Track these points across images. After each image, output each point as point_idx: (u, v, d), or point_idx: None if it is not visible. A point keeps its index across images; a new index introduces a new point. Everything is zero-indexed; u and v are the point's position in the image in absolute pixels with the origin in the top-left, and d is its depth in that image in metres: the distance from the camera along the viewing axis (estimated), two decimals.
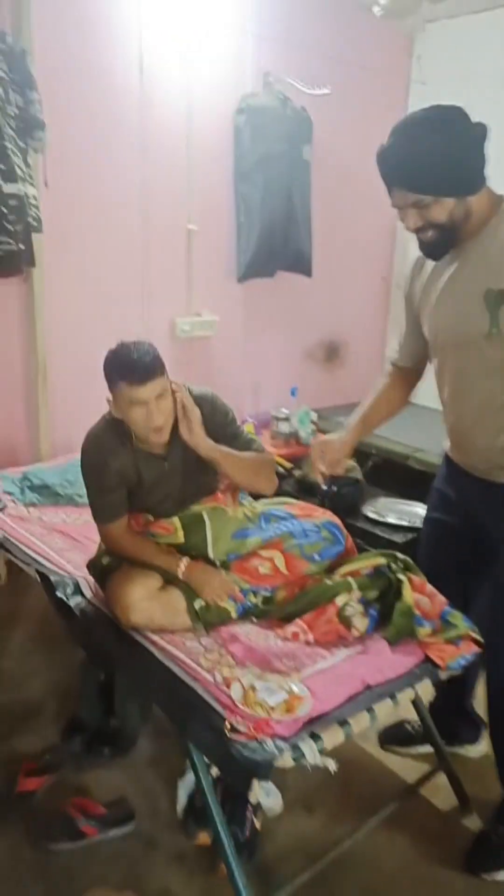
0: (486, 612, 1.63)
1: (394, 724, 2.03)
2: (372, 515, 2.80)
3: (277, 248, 3.16)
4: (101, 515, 1.75)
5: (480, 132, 1.34)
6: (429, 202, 1.35)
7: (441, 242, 1.43)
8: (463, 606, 1.65)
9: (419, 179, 1.33)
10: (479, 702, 1.91)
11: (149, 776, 1.87)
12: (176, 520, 1.78)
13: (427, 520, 1.84)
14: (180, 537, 1.76)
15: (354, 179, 3.41)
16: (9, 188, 2.33)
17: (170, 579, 1.68)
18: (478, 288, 1.39)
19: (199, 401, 1.72)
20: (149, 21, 2.67)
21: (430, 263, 1.54)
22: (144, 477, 1.72)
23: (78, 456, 2.67)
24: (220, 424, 1.76)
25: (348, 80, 3.35)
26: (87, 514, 2.40)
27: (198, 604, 1.64)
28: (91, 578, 1.83)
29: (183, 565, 1.68)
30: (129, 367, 1.58)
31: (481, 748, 1.96)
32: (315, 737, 1.30)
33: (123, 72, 2.67)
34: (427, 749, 1.90)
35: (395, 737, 2.01)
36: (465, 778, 1.80)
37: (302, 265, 3.29)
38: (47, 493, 2.48)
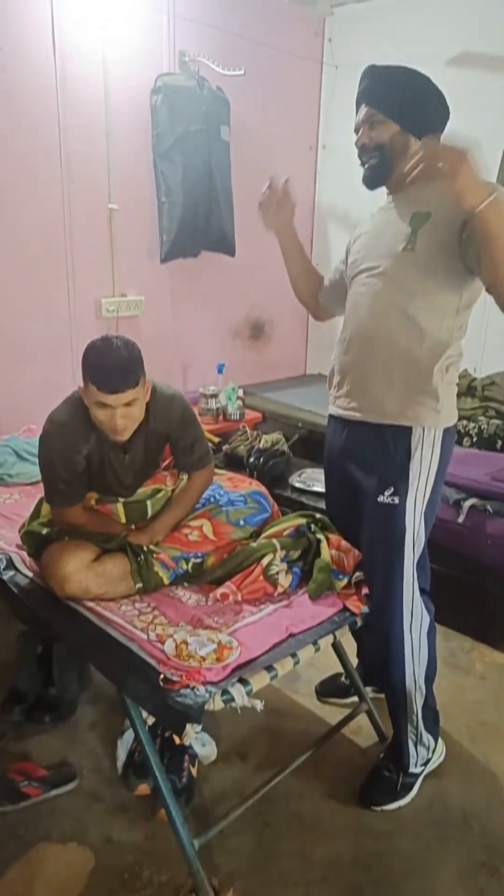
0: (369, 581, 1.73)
1: (328, 677, 2.18)
2: (298, 485, 2.94)
3: (200, 228, 3.21)
4: (61, 500, 1.76)
5: (443, 100, 1.58)
6: (379, 119, 1.55)
7: (379, 168, 1.59)
8: None
9: (379, 96, 1.56)
10: None
11: (89, 739, 1.95)
12: (120, 507, 1.86)
13: (325, 478, 1.95)
14: (121, 521, 1.87)
15: (273, 161, 3.49)
16: None
17: (109, 549, 1.75)
18: (406, 213, 1.55)
19: (168, 411, 1.76)
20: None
21: (373, 217, 1.71)
22: (106, 465, 1.77)
23: (5, 438, 2.70)
24: (176, 439, 1.82)
25: (263, 61, 3.42)
26: (17, 492, 2.44)
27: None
28: (24, 553, 1.88)
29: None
30: (103, 374, 1.56)
31: None
32: (244, 682, 1.41)
33: (38, 50, 2.64)
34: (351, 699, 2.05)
35: (330, 689, 2.16)
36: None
37: (225, 245, 3.36)
38: None
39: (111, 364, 1.56)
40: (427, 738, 1.80)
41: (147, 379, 1.68)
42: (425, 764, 1.83)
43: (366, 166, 1.62)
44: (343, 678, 2.12)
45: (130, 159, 3.02)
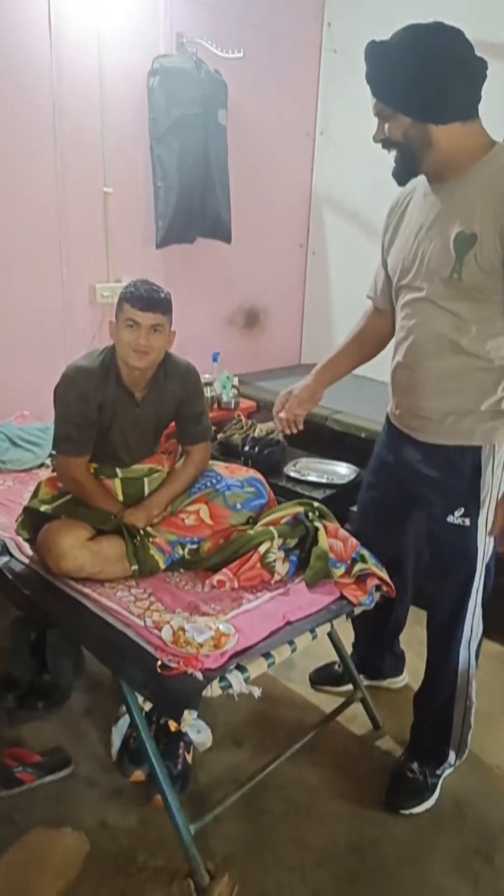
0: (425, 571, 1.72)
1: (322, 665, 2.17)
2: (293, 474, 2.93)
3: (196, 214, 3.18)
4: (69, 448, 1.79)
5: (472, 65, 1.28)
6: (388, 114, 1.35)
7: (402, 164, 1.41)
8: (396, 568, 1.79)
9: (381, 87, 1.34)
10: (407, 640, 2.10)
11: (83, 725, 1.95)
12: (117, 482, 1.86)
13: (365, 485, 1.87)
14: (119, 498, 1.86)
15: (270, 146, 3.46)
16: None
17: (105, 530, 1.74)
18: (450, 229, 1.35)
19: (186, 373, 1.88)
20: None
21: (411, 203, 1.50)
22: (116, 417, 1.80)
23: (2, 423, 2.67)
24: (188, 403, 1.89)
25: (262, 45, 3.38)
26: (11, 479, 2.42)
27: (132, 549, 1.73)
28: (18, 538, 1.86)
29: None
30: (139, 293, 1.70)
31: (403, 681, 2.15)
32: (241, 668, 1.41)
33: (32, 31, 2.59)
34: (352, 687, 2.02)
35: (324, 677, 2.14)
36: (388, 708, 1.97)
37: (221, 231, 3.32)
38: None
39: (147, 288, 1.72)
40: (467, 742, 1.77)
41: (172, 329, 1.81)
42: (449, 768, 1.81)
43: (395, 160, 1.44)
44: (336, 666, 2.12)
45: (126, 142, 2.98)
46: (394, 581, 1.75)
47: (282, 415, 1.80)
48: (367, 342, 1.77)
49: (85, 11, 2.70)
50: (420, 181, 1.48)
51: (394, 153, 1.42)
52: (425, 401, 1.52)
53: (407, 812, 1.72)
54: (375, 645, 2.07)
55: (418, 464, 1.59)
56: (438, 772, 1.78)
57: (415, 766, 1.77)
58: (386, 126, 1.37)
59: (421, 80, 1.29)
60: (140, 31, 2.91)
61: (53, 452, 1.89)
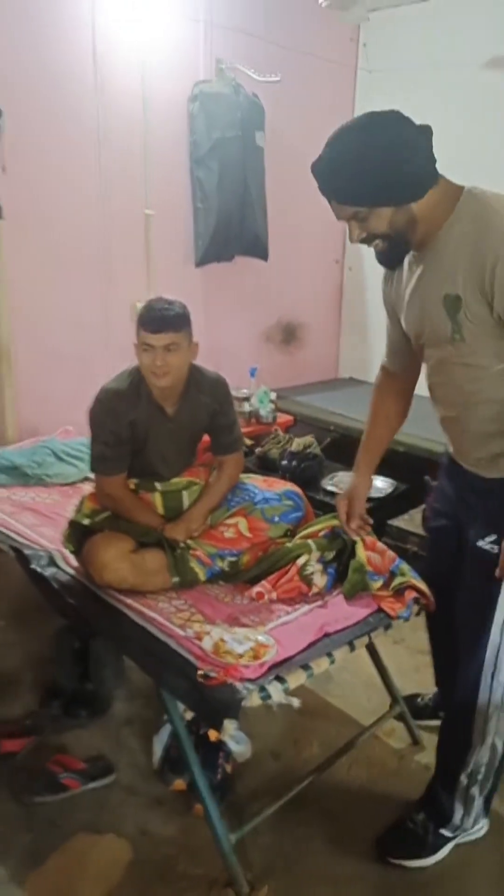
0: (457, 621, 1.58)
1: (406, 695, 2.01)
2: (331, 488, 2.95)
3: (234, 233, 3.25)
4: (104, 467, 1.85)
5: (419, 135, 1.27)
6: (365, 213, 1.31)
7: (391, 251, 1.39)
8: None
9: (351, 191, 1.29)
10: None
11: (125, 734, 1.98)
12: (157, 495, 1.91)
13: (433, 512, 1.78)
14: (160, 511, 1.91)
15: (305, 165, 3.49)
16: None
17: (146, 542, 1.79)
18: (437, 292, 1.34)
19: (216, 385, 1.91)
20: (102, 8, 2.71)
21: (404, 271, 1.48)
22: (150, 433, 1.85)
23: (43, 439, 2.77)
24: (219, 414, 1.93)
25: (298, 67, 3.45)
26: (56, 492, 2.50)
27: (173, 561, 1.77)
28: (64, 550, 1.92)
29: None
30: (150, 316, 1.73)
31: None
32: (280, 679, 1.43)
33: (78, 60, 2.71)
34: (435, 722, 1.85)
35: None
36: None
37: (258, 249, 3.39)
38: (16, 474, 2.54)
39: (156, 308, 1.74)
40: (478, 803, 1.61)
41: (194, 341, 1.82)
42: (458, 831, 1.65)
43: (376, 252, 1.41)
44: (419, 700, 2.03)
45: (167, 166, 3.07)
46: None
47: (353, 525, 1.76)
48: (394, 415, 1.74)
49: (128, 40, 2.81)
50: None
51: (377, 248, 1.39)
52: (473, 449, 1.49)
53: (395, 861, 1.60)
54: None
55: (464, 490, 1.57)
56: (444, 832, 1.62)
57: (419, 817, 1.65)
58: (366, 225, 1.33)
59: (389, 167, 1.25)
60: (181, 59, 3.00)
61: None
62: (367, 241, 1.37)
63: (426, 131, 1.29)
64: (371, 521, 1.81)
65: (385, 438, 1.76)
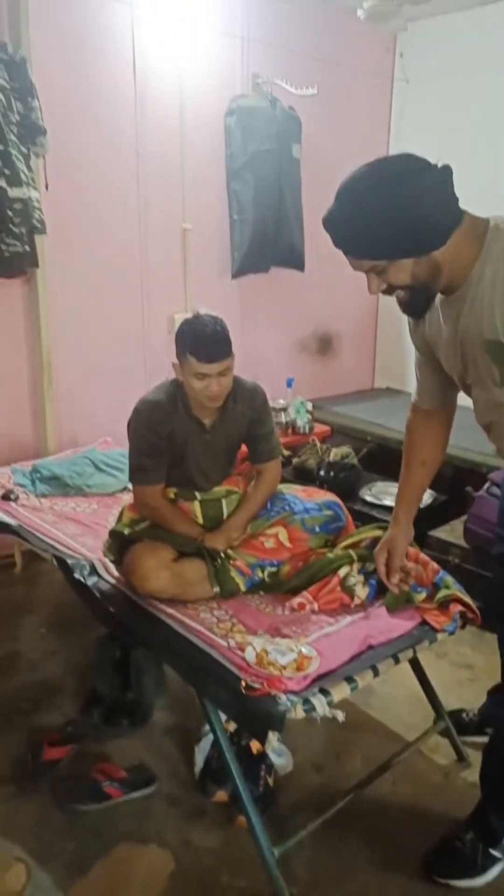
0: None
1: (451, 711, 1.96)
2: (369, 499, 2.93)
3: (270, 244, 3.27)
4: (143, 477, 1.86)
5: (436, 179, 1.18)
6: (384, 266, 1.23)
7: (415, 301, 1.32)
8: None
9: (366, 246, 1.22)
10: None
11: (166, 744, 1.98)
12: (197, 504, 1.92)
13: (497, 538, 1.58)
14: (199, 520, 1.92)
15: (342, 175, 3.52)
16: (14, 192, 2.43)
17: (186, 552, 1.80)
18: (477, 338, 1.27)
19: (253, 394, 1.91)
20: (141, 26, 2.77)
21: (436, 310, 1.39)
22: (188, 445, 1.85)
23: (83, 450, 2.81)
24: (257, 423, 1.92)
25: (334, 79, 3.47)
26: (95, 502, 2.53)
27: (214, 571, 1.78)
28: (105, 560, 1.94)
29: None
30: (202, 345, 1.70)
31: None
32: (324, 692, 1.41)
33: (118, 77, 2.77)
34: (481, 739, 1.80)
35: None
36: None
37: (294, 260, 3.40)
38: (57, 484, 2.59)
39: (209, 336, 1.71)
40: None
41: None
42: None
43: (398, 302, 1.34)
44: (464, 715, 1.97)
45: (204, 179, 3.11)
46: None
47: (393, 581, 1.69)
48: (430, 460, 1.63)
49: (167, 57, 2.86)
50: None
51: (401, 298, 1.32)
52: None
53: (443, 881, 1.56)
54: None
55: None
56: (494, 852, 1.58)
57: (468, 836, 1.59)
58: (385, 277, 1.26)
59: (406, 220, 1.17)
60: (218, 74, 3.05)
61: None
62: (387, 292, 1.29)
63: (444, 172, 1.20)
64: (412, 572, 1.72)
65: (423, 485, 1.66)
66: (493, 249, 1.21)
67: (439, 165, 1.20)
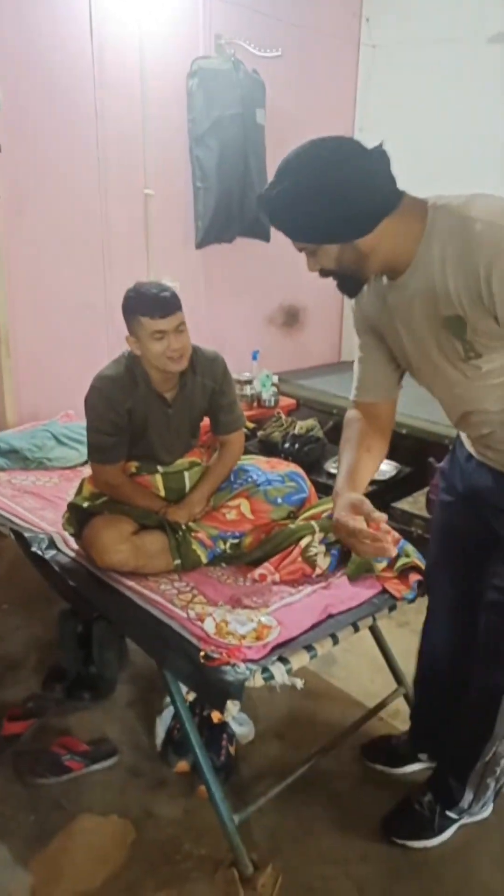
0: (483, 623, 1.48)
1: (377, 738, 1.90)
2: (334, 471, 2.92)
3: (235, 214, 3.21)
4: (102, 456, 1.82)
5: (367, 167, 1.16)
6: (313, 249, 1.24)
7: (347, 284, 1.30)
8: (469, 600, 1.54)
9: (293, 227, 1.22)
10: None
11: (128, 716, 1.98)
12: (159, 477, 1.89)
13: (442, 503, 1.63)
14: (161, 493, 1.90)
15: None
16: None
17: (147, 524, 1.77)
18: (434, 318, 1.25)
19: (213, 363, 1.87)
20: None
21: (378, 295, 1.36)
22: (150, 420, 1.82)
23: (44, 423, 2.75)
24: (219, 394, 1.89)
25: (299, 42, 3.39)
26: (57, 476, 2.48)
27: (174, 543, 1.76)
28: (65, 533, 1.91)
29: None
30: (152, 302, 1.68)
31: None
32: (283, 660, 1.41)
33: (74, 35, 2.66)
34: (415, 767, 1.82)
35: (379, 755, 1.85)
36: None
37: (260, 230, 3.34)
38: (16, 458, 2.53)
39: (155, 293, 1.69)
40: (490, 790, 1.60)
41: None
42: (464, 814, 1.63)
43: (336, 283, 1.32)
44: (393, 741, 1.89)
45: (166, 145, 3.02)
46: (459, 623, 1.59)
47: (385, 528, 1.36)
48: (375, 447, 1.48)
49: (126, 15, 2.75)
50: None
51: (331, 278, 1.30)
52: (469, 432, 1.42)
53: (400, 841, 1.61)
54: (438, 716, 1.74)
55: (491, 493, 1.44)
56: (450, 813, 1.62)
57: (426, 799, 1.64)
58: (315, 260, 1.26)
59: (332, 207, 1.17)
60: (179, 34, 2.95)
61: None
62: (321, 274, 1.29)
63: (379, 158, 1.18)
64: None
65: (371, 472, 1.46)
66: (437, 227, 1.19)
67: (381, 146, 1.17)
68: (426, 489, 2.64)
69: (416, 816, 1.63)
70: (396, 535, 1.76)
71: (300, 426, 3.19)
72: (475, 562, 1.51)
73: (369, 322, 1.44)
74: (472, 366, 1.26)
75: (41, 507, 2.20)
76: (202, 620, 1.50)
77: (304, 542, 1.75)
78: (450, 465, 1.61)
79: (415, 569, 1.69)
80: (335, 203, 1.16)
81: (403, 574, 1.69)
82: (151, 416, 1.82)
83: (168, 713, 1.87)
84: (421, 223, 1.20)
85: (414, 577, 1.68)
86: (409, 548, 1.74)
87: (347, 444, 1.50)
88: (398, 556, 1.72)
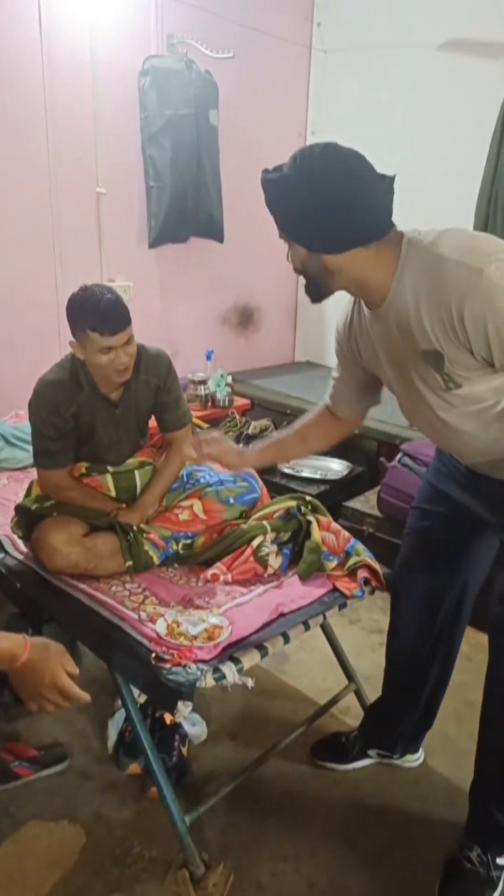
0: (491, 620, 1.47)
1: (327, 737, 1.91)
2: (287, 470, 2.96)
3: (188, 214, 3.20)
4: (47, 461, 1.79)
5: (366, 191, 1.17)
6: (287, 240, 1.27)
7: (311, 288, 1.32)
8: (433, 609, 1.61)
9: (276, 216, 1.25)
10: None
11: (79, 720, 1.96)
12: (109, 477, 1.87)
13: (416, 513, 1.64)
14: (112, 493, 1.88)
15: (260, 145, 3.47)
16: None
17: (98, 526, 1.76)
18: (413, 351, 1.26)
19: (157, 361, 1.84)
20: None
21: (364, 322, 1.38)
22: (97, 422, 1.79)
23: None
24: (164, 391, 1.87)
25: (252, 45, 3.40)
26: (6, 477, 2.44)
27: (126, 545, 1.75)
28: (13, 536, 1.88)
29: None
30: (101, 318, 1.62)
31: (418, 759, 1.88)
32: (235, 660, 1.42)
33: (23, 31, 2.61)
34: (365, 762, 1.84)
35: (328, 752, 1.87)
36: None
37: (214, 231, 3.34)
38: None
39: (106, 307, 1.62)
40: None
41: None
42: None
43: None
44: (343, 739, 1.87)
45: (118, 143, 2.99)
46: (428, 624, 1.62)
47: (192, 452, 1.56)
48: (313, 440, 1.63)
49: (76, 11, 2.71)
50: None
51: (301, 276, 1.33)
52: (484, 460, 1.41)
53: None
54: (392, 717, 1.79)
55: (489, 491, 1.44)
56: (502, 861, 1.50)
57: (474, 853, 1.50)
58: (289, 251, 1.28)
59: (313, 213, 1.18)
60: (131, 31, 2.92)
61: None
62: (294, 270, 1.31)
63: (388, 189, 1.18)
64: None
65: (291, 455, 1.60)
66: (409, 264, 1.21)
67: (392, 178, 1.18)
68: (377, 488, 2.69)
69: (471, 877, 1.48)
70: (347, 534, 1.80)
71: (254, 426, 3.21)
72: (448, 565, 1.58)
73: (351, 349, 1.47)
74: (454, 395, 1.28)
75: None
76: (154, 622, 1.50)
77: (256, 542, 1.76)
78: (436, 474, 1.59)
79: (366, 566, 1.72)
80: (319, 211, 1.18)
81: (353, 573, 1.72)
82: (98, 417, 1.80)
83: (120, 716, 1.86)
84: (396, 258, 1.22)
85: (362, 574, 1.71)
86: (360, 546, 1.77)
87: (290, 426, 1.63)
88: (348, 555, 1.75)
